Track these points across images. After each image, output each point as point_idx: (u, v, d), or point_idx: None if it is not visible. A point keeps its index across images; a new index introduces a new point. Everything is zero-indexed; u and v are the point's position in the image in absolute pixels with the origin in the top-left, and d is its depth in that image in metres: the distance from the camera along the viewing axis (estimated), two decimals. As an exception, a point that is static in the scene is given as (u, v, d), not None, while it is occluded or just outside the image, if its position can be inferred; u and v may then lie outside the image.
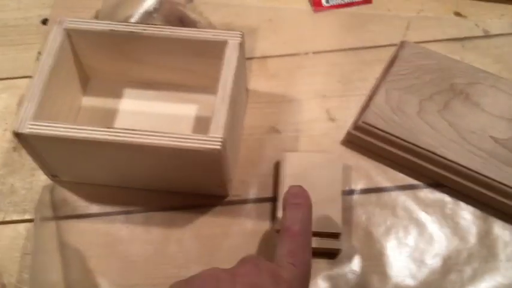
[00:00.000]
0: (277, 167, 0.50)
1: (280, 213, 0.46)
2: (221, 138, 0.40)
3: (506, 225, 0.48)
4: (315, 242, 0.45)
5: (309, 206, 0.41)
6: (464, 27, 0.58)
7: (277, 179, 0.49)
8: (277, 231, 0.46)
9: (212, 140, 0.40)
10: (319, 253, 0.46)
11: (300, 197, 0.41)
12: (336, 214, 0.46)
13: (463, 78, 0.51)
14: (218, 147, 0.40)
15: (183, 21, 0.56)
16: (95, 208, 0.49)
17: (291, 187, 0.42)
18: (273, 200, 0.49)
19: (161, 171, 0.45)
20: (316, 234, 0.45)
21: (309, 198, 0.41)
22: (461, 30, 0.57)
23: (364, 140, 0.50)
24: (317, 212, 0.45)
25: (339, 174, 0.47)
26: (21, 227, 0.49)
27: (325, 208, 0.46)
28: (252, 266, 0.36)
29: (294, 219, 0.39)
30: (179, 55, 0.47)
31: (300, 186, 0.42)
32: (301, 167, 0.48)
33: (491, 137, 0.48)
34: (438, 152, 0.48)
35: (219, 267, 0.45)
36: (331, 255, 0.47)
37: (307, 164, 0.48)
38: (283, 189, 0.47)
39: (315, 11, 0.59)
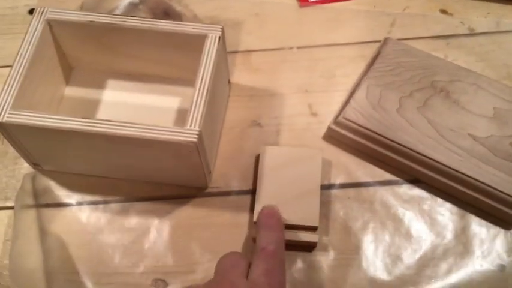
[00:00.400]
0: (257, 160, 0.50)
1: (258, 207, 0.46)
2: (198, 130, 0.41)
3: (483, 222, 0.48)
4: (292, 235, 0.45)
5: (281, 228, 0.44)
6: (449, 25, 0.58)
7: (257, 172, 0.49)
8: (256, 223, 0.47)
9: (188, 132, 0.41)
10: (296, 246, 0.46)
11: (273, 218, 0.44)
12: (313, 208, 0.46)
13: (444, 75, 0.51)
14: (194, 139, 0.41)
15: (168, 13, 0.56)
16: (75, 197, 0.50)
17: (265, 207, 0.45)
18: (253, 192, 0.49)
19: (140, 162, 0.46)
20: (294, 227, 0.46)
21: (281, 219, 0.44)
22: (447, 27, 0.57)
23: (344, 135, 0.50)
24: (295, 205, 0.46)
25: (318, 169, 0.48)
26: (3, 213, 0.49)
27: (304, 202, 0.46)
28: (229, 285, 0.37)
29: (269, 239, 0.41)
30: (160, 48, 0.47)
31: (273, 207, 0.45)
32: (280, 160, 0.48)
33: (470, 134, 0.49)
34: (417, 149, 0.48)
35: (196, 260, 0.46)
36: (307, 248, 0.47)
37: (287, 157, 0.48)
38: (262, 182, 0.48)
39: (301, 5, 0.59)
